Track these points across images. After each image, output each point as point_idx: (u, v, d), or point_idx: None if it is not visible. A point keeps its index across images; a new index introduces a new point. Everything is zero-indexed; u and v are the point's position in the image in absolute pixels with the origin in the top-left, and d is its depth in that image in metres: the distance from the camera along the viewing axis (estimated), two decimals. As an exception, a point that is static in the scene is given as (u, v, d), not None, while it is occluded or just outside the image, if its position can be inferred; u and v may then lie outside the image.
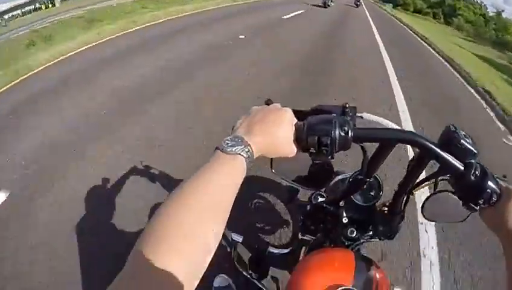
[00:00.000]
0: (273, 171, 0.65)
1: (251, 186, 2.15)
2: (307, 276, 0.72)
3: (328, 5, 17.69)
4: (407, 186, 0.70)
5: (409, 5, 55.89)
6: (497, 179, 0.55)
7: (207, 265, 0.37)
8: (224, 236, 1.87)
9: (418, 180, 0.68)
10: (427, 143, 0.54)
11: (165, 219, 0.37)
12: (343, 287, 0.64)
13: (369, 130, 0.56)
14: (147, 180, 2.23)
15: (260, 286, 1.17)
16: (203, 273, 0.37)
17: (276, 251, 1.26)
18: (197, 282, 0.36)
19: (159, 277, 0.33)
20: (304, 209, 0.97)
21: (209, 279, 1.45)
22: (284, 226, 1.86)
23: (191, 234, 0.37)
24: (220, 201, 0.41)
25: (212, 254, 0.38)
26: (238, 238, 1.29)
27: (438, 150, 0.54)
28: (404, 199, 0.74)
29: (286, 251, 1.24)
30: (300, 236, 1.04)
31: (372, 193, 0.87)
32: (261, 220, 1.98)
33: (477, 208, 0.54)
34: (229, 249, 1.46)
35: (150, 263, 0.33)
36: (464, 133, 0.55)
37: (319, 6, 17.00)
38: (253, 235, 1.88)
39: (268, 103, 0.58)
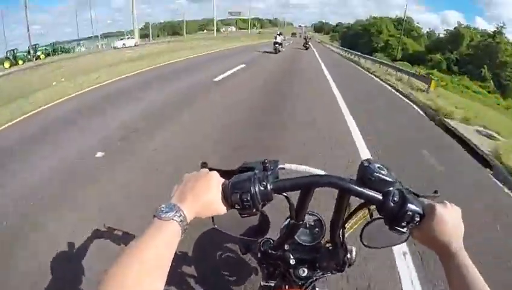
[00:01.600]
0: (216, 227, 0.65)
1: (218, 239, 2.14)
2: None
3: (279, 51, 19.43)
4: (338, 221, 0.74)
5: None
6: (423, 198, 0.60)
7: None
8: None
9: (348, 213, 0.72)
10: (344, 183, 0.60)
11: (108, 281, 0.43)
12: None
13: (287, 180, 0.62)
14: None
15: None
16: None
17: None
18: None
19: None
20: (256, 257, 0.99)
21: None
22: (253, 274, 1.85)
23: None
24: (156, 263, 0.47)
25: None
26: None
27: (355, 187, 0.59)
28: (340, 232, 0.77)
29: None
30: (263, 283, 1.06)
31: (316, 231, 0.91)
32: (229, 271, 1.96)
33: (405, 230, 0.57)
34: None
35: None
36: (378, 165, 0.60)
37: (270, 52, 19.09)
38: (223, 288, 1.84)
39: (203, 165, 0.65)
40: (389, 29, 51.00)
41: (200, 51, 19.32)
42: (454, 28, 43.02)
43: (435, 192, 0.64)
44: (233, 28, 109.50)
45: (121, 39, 36.10)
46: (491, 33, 37.58)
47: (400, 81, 11.68)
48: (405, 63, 34.77)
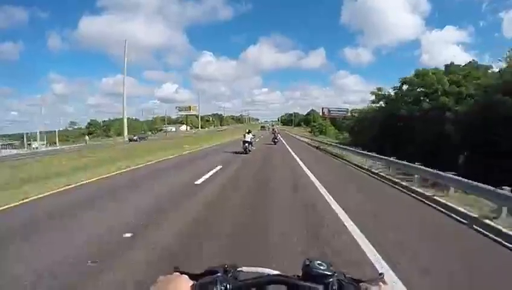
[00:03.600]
0: None
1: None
2: None
3: (249, 150, 17.98)
4: None
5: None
6: (366, 282, 0.69)
7: None
8: None
9: None
10: (289, 280, 0.70)
11: None
12: None
13: (244, 281, 0.72)
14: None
15: None
16: None
17: None
18: None
19: None
20: None
21: None
22: None
23: None
24: None
25: None
26: None
27: (298, 282, 0.69)
28: None
29: None
30: None
31: None
32: None
33: None
34: None
35: None
36: (319, 261, 0.70)
37: (241, 153, 17.30)
38: None
39: (175, 269, 0.73)
40: None
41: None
42: None
43: (380, 274, 0.74)
44: (184, 127, 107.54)
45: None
46: None
47: None
48: None
